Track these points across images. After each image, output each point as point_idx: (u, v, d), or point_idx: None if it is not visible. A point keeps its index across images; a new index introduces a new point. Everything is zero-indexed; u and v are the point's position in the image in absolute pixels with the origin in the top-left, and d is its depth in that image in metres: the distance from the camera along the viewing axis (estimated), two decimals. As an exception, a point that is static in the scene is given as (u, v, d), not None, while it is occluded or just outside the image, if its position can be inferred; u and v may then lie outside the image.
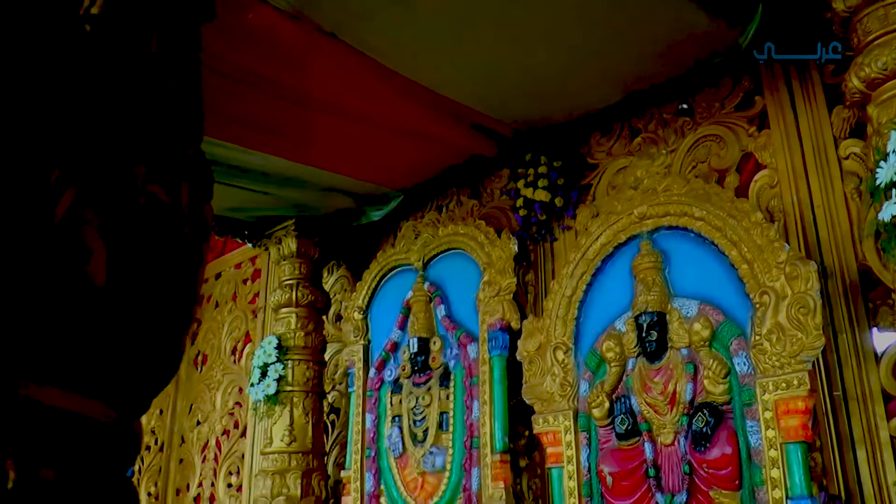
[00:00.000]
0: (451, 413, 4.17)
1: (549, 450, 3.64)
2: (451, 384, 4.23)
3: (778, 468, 2.92)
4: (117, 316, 0.56)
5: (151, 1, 0.87)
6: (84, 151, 0.60)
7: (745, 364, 3.12)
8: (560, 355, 3.72)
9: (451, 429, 4.14)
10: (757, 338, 3.08)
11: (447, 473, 4.07)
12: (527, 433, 3.97)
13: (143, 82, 0.76)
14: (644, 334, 3.40)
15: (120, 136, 0.66)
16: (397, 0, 3.17)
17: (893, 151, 2.67)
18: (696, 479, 3.15)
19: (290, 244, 5.18)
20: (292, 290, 5.08)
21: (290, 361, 4.87)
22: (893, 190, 2.65)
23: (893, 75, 2.83)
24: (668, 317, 3.39)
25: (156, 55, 0.83)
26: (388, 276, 4.83)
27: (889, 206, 2.64)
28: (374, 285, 4.85)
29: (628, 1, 3.26)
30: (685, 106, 3.96)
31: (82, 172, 0.59)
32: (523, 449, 4.04)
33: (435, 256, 4.59)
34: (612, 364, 3.52)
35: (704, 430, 3.14)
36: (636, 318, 3.47)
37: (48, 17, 0.65)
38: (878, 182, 2.70)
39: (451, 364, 4.27)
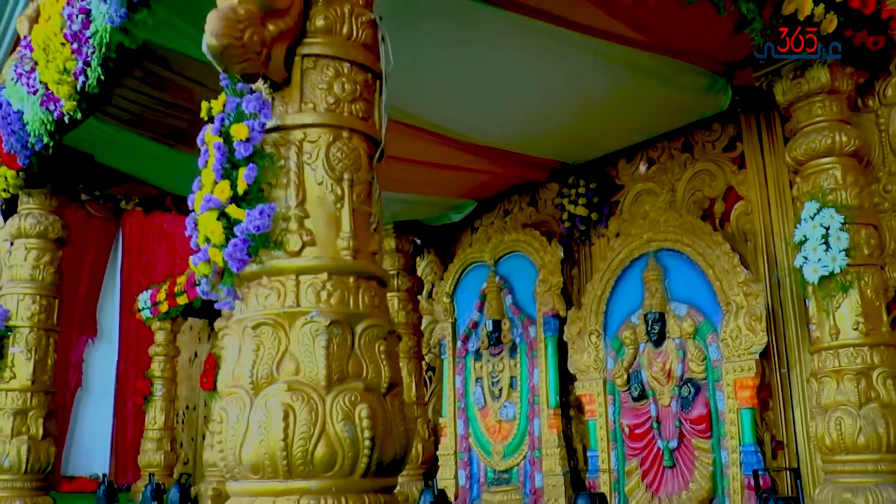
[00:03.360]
0: (519, 377, 5.69)
1: (587, 407, 5.13)
2: (518, 355, 5.73)
3: (735, 425, 4.34)
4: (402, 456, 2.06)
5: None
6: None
7: (716, 352, 4.51)
8: (594, 339, 5.16)
9: (518, 389, 5.67)
10: (724, 335, 4.46)
11: (517, 422, 5.61)
12: (574, 392, 5.43)
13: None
14: (649, 328, 4.80)
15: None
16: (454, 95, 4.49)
17: (804, 219, 3.93)
18: (683, 431, 4.59)
19: (390, 242, 6.68)
20: (394, 279, 6.60)
21: (396, 335, 6.42)
22: (802, 246, 3.93)
23: (811, 158, 4.04)
24: (666, 315, 4.78)
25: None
26: (468, 269, 6.29)
27: (798, 258, 3.93)
28: (457, 276, 6.33)
29: (648, 85, 4.46)
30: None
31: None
32: (571, 404, 5.52)
33: (502, 256, 6.03)
34: (629, 347, 4.94)
35: (688, 397, 4.56)
36: (645, 315, 4.86)
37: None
38: (795, 240, 3.97)
39: (518, 340, 5.76)
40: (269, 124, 2.14)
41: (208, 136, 2.12)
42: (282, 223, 2.09)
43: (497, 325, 5.87)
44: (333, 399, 1.96)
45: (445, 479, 5.90)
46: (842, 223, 3.83)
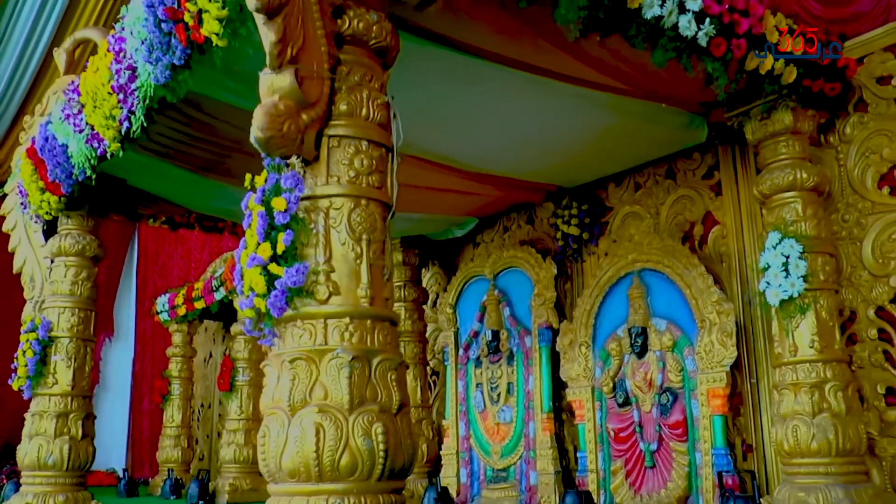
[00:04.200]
0: (515, 383, 6.19)
1: (577, 412, 5.62)
2: (515, 363, 6.23)
3: (708, 430, 4.83)
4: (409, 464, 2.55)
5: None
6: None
7: (692, 364, 5.00)
8: (583, 349, 5.65)
9: (515, 394, 6.16)
10: (699, 348, 4.95)
11: (513, 424, 6.11)
12: (566, 398, 5.92)
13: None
14: (633, 341, 5.29)
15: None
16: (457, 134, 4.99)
17: (767, 248, 4.40)
18: (663, 435, 5.09)
19: (398, 255, 7.17)
20: (401, 290, 7.10)
21: (402, 343, 6.91)
22: (765, 272, 4.40)
23: (776, 192, 4.50)
24: (648, 330, 5.26)
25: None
26: (469, 282, 6.79)
27: (762, 282, 4.40)
28: (459, 289, 6.83)
29: (634, 123, 4.94)
30: None
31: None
32: (563, 409, 6.01)
33: (501, 271, 6.52)
34: (614, 358, 5.43)
35: (667, 404, 5.05)
36: (629, 329, 5.35)
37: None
38: (760, 265, 4.45)
39: (515, 349, 6.26)
40: (302, 194, 2.64)
41: (252, 205, 2.62)
42: (312, 276, 2.59)
43: (496, 335, 6.36)
44: (355, 419, 2.46)
45: (448, 476, 6.41)
46: (801, 252, 4.27)
